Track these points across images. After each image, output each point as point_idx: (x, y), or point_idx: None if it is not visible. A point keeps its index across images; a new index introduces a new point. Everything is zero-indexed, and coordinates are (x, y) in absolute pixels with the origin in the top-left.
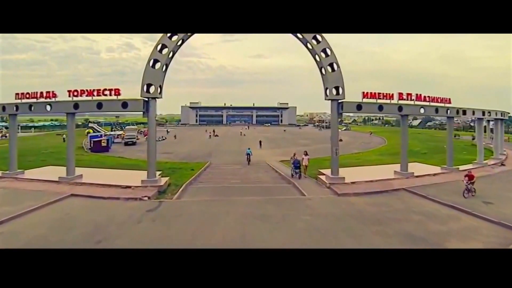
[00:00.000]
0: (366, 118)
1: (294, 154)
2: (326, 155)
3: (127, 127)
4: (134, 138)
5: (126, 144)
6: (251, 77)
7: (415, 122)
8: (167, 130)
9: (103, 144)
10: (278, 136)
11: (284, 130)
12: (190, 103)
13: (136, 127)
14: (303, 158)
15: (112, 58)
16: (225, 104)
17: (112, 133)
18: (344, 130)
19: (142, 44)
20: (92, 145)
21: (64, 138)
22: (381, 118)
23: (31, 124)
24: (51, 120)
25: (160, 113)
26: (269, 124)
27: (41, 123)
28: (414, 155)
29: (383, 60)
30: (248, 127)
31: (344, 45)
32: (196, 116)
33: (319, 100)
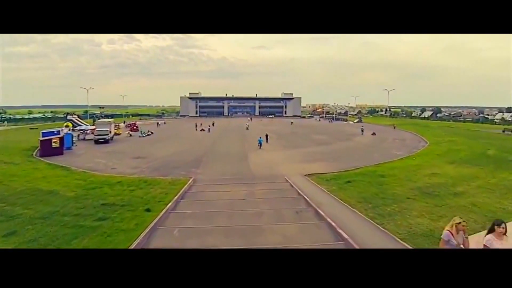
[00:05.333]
0: (371, 109)
1: (460, 224)
2: (367, 163)
3: (98, 120)
4: (107, 134)
5: (96, 142)
6: (253, 68)
7: (427, 114)
8: (157, 123)
9: (54, 145)
10: (286, 130)
11: (292, 122)
12: (190, 93)
13: (110, 120)
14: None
15: (114, 50)
16: (226, 94)
17: (84, 127)
18: (357, 122)
19: (143, 36)
20: (40, 147)
21: None
22: (387, 109)
23: (19, 117)
24: (51, 111)
25: (162, 105)
26: (273, 116)
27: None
28: (502, 164)
29: (386, 51)
30: (251, 118)
31: (346, 36)
32: (196, 107)
33: (321, 92)
